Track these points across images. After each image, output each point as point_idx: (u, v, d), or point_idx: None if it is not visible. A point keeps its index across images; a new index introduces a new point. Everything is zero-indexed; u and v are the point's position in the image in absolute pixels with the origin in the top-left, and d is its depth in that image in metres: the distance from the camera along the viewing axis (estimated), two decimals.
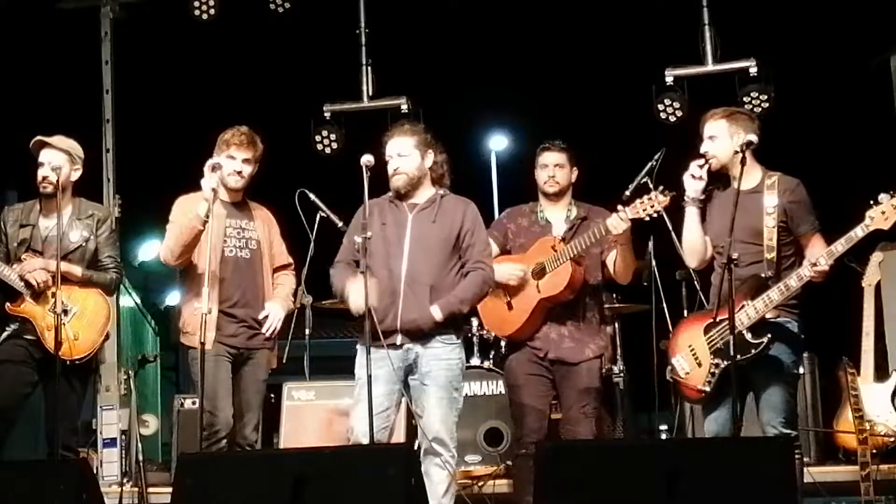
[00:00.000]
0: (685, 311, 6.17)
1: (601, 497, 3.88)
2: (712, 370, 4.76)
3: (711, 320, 4.80)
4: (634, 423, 6.79)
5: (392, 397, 4.84)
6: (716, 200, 4.91)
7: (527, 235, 5.40)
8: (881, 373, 6.28)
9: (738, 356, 4.58)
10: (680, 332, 5.00)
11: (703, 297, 5.24)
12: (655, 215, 4.98)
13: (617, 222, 5.00)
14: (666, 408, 6.54)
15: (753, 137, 4.78)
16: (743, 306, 4.67)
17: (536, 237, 5.37)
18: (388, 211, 5.01)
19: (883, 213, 4.50)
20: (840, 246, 4.57)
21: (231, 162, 5.30)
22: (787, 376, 4.76)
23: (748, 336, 4.66)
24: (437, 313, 4.81)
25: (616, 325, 7.08)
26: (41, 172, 5.38)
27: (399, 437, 5.70)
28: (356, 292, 4.75)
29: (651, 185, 5.84)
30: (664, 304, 6.29)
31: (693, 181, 4.87)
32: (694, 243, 4.94)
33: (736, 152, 4.76)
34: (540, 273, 5.25)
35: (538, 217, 5.43)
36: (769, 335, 4.64)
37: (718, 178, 4.93)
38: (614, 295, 7.01)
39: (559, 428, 5.37)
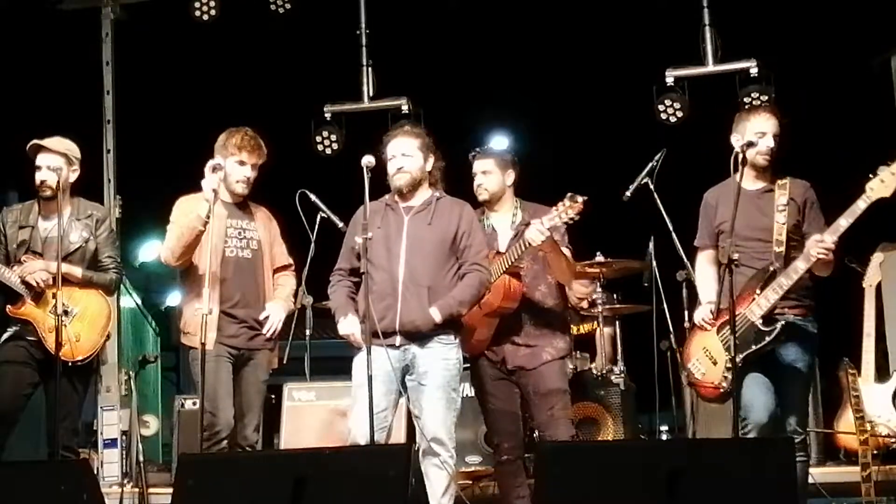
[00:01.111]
0: (686, 312, 6.17)
1: (601, 497, 3.87)
2: (728, 365, 4.75)
3: (724, 320, 4.81)
4: (635, 423, 6.77)
5: (389, 398, 4.84)
6: (729, 199, 4.89)
7: None
8: (882, 373, 6.29)
9: (753, 346, 4.65)
10: (692, 339, 5.04)
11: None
12: (571, 222, 4.95)
13: (535, 234, 4.96)
14: (666, 408, 6.54)
15: (754, 139, 4.81)
16: (754, 298, 4.70)
17: None
18: (385, 213, 5.00)
19: (882, 181, 4.53)
20: (844, 220, 4.58)
21: (241, 168, 5.29)
22: (804, 376, 4.79)
23: (759, 324, 4.68)
24: (436, 315, 4.81)
25: (616, 325, 7.08)
26: (39, 176, 5.37)
27: (399, 437, 5.69)
28: (346, 327, 4.93)
29: (652, 186, 5.87)
30: (664, 305, 6.29)
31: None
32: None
33: (737, 152, 4.78)
34: None
35: (484, 225, 5.33)
36: (781, 323, 4.67)
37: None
38: (615, 295, 7.02)
39: (539, 436, 5.31)
